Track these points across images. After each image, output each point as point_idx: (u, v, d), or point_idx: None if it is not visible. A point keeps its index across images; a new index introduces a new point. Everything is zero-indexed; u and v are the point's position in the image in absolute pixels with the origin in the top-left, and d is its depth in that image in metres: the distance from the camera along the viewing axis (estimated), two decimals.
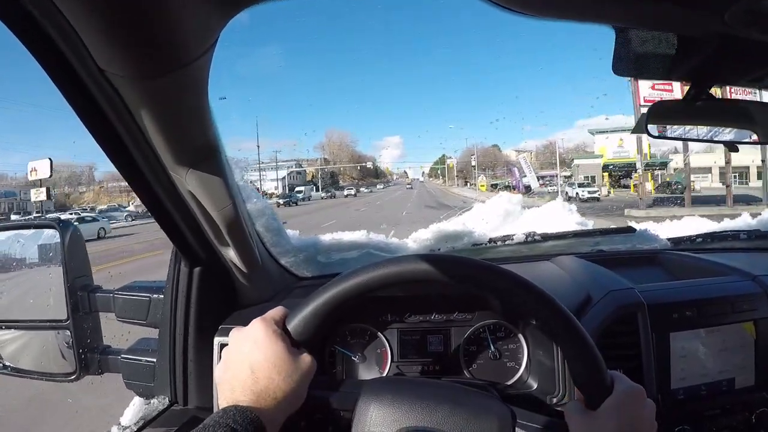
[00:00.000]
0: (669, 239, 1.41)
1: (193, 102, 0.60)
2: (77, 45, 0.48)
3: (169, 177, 0.71)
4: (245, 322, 0.94)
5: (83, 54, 0.50)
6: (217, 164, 0.71)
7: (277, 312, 0.66)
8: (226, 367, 0.63)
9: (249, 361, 0.61)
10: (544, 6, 0.56)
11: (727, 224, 1.58)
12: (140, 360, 1.05)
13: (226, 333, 0.93)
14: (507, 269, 0.66)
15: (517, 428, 0.64)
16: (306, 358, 0.63)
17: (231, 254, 0.89)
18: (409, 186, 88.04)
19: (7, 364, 1.15)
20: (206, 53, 0.53)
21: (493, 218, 1.43)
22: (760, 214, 1.61)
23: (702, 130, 1.00)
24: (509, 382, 0.95)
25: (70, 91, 0.56)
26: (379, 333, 0.99)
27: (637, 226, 1.40)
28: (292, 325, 0.63)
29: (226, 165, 0.74)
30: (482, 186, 50.49)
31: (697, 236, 1.44)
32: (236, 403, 0.58)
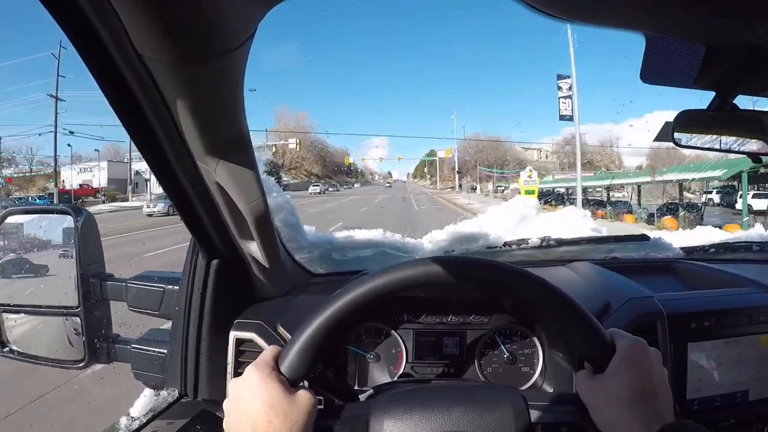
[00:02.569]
0: (682, 248, 1.41)
1: (230, 92, 0.59)
2: (116, 27, 0.47)
3: (196, 167, 0.70)
4: (261, 318, 0.94)
5: (121, 37, 0.49)
6: (247, 156, 0.70)
7: (269, 353, 0.65)
8: (228, 419, 0.63)
9: (248, 410, 0.60)
10: (580, 11, 0.56)
11: (740, 235, 1.58)
12: (151, 351, 1.04)
13: (242, 328, 0.93)
14: (488, 260, 0.66)
15: (531, 410, 0.64)
16: (304, 396, 0.62)
17: (252, 248, 0.88)
18: (388, 185, 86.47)
19: (15, 348, 1.14)
20: (246, 42, 0.52)
21: (508, 221, 1.42)
22: None
23: (726, 140, 1.00)
24: (523, 387, 0.94)
25: (103, 73, 0.55)
26: (395, 332, 0.98)
27: (652, 235, 1.39)
28: (285, 366, 0.62)
29: (254, 158, 0.73)
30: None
31: (710, 246, 1.44)
32: None
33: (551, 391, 0.92)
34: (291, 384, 0.62)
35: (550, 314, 0.66)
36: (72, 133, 46.24)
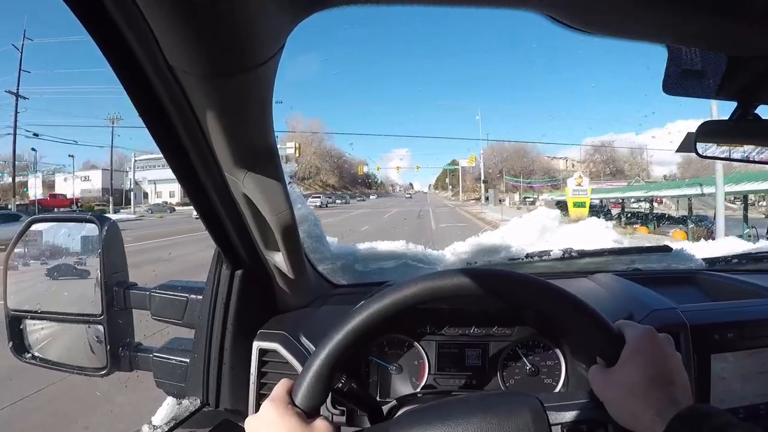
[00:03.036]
0: (704, 259, 1.39)
1: (258, 104, 0.59)
2: (148, 39, 0.48)
3: (223, 178, 0.71)
4: (285, 328, 0.94)
5: (153, 48, 0.49)
6: (275, 168, 0.71)
7: (282, 387, 0.65)
8: None
9: None
10: (603, 24, 0.56)
11: (762, 245, 1.56)
12: (173, 359, 1.05)
13: (266, 338, 0.93)
14: (493, 269, 0.66)
15: (548, 412, 0.63)
16: (320, 426, 0.62)
17: (277, 259, 0.88)
18: (408, 196, 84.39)
19: (38, 355, 1.15)
20: (276, 55, 0.53)
21: (530, 233, 1.42)
22: None
23: (749, 150, 0.99)
24: (553, 392, 0.94)
25: (134, 84, 0.56)
26: (417, 344, 0.98)
27: (674, 246, 1.38)
28: (299, 399, 0.62)
29: (281, 170, 0.74)
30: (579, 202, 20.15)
31: (733, 257, 1.42)
32: None
33: None
34: (307, 415, 0.62)
35: (554, 315, 0.66)
36: (36, 135, 42.21)
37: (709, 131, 0.96)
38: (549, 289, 0.64)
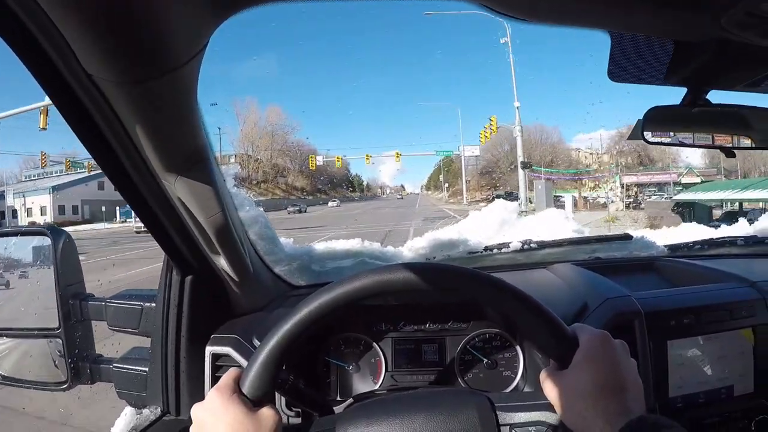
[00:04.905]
0: (666, 246, 1.41)
1: (182, 107, 0.59)
2: (64, 49, 0.48)
3: (159, 184, 0.70)
4: (237, 332, 0.94)
5: (70, 59, 0.49)
6: (206, 171, 0.71)
7: (229, 376, 0.65)
8: None
9: None
10: (541, 12, 0.56)
11: (724, 231, 1.58)
12: (132, 369, 1.04)
13: (218, 342, 0.93)
14: (442, 264, 0.66)
15: (498, 412, 0.64)
16: (267, 413, 0.62)
17: (222, 262, 0.88)
18: (400, 197, 79.98)
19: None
20: (195, 58, 0.52)
21: (488, 226, 1.42)
22: (757, 220, 1.61)
23: (698, 136, 1.00)
24: (505, 392, 0.94)
25: (58, 95, 0.56)
26: (373, 342, 0.98)
27: (634, 233, 1.40)
28: (246, 387, 0.62)
29: (216, 172, 0.73)
30: None
31: (695, 243, 1.44)
32: None
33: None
34: (253, 403, 0.62)
35: (509, 314, 0.66)
36: None
37: (658, 118, 0.96)
38: (503, 288, 0.64)
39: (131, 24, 0.44)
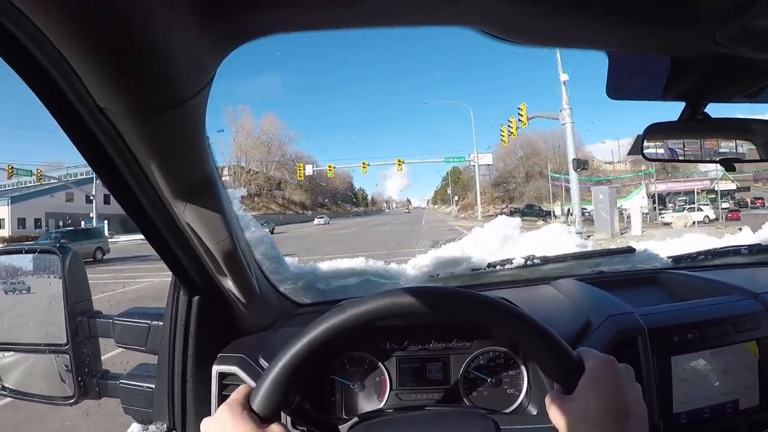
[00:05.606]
0: (670, 257, 1.41)
1: (190, 138, 0.61)
2: (76, 84, 0.49)
3: (168, 210, 0.72)
4: (244, 351, 0.95)
5: (82, 92, 0.51)
6: (214, 198, 0.72)
7: (240, 393, 0.66)
8: None
9: None
10: (538, 36, 0.57)
11: (728, 240, 1.58)
12: (139, 386, 1.05)
13: (225, 362, 0.94)
14: (449, 288, 0.67)
15: None
16: (276, 430, 0.63)
17: (230, 284, 0.89)
18: (407, 211, 78.00)
19: (7, 386, 1.15)
20: (203, 90, 0.54)
21: (491, 242, 1.43)
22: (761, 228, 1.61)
23: (698, 150, 1.00)
24: (509, 410, 0.94)
25: (72, 127, 0.57)
26: (378, 361, 0.99)
27: (638, 246, 1.40)
28: (256, 404, 0.63)
29: (223, 198, 0.75)
30: None
31: (698, 254, 1.43)
32: None
33: (535, 413, 0.92)
34: (262, 420, 0.63)
35: (516, 339, 0.66)
36: None
37: (658, 133, 0.96)
38: (509, 313, 0.64)
39: (139, 59, 0.45)
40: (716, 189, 31.50)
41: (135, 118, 0.53)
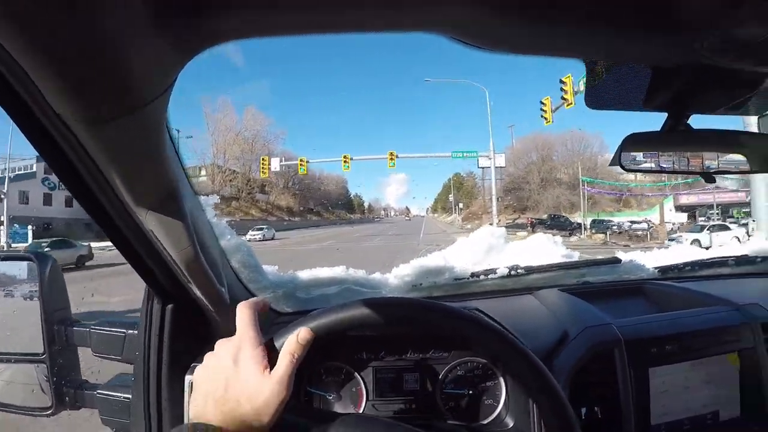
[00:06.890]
0: (656, 268, 1.41)
1: (149, 144, 0.60)
2: (33, 90, 0.49)
3: (133, 217, 0.71)
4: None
5: (39, 98, 0.50)
6: (175, 205, 0.71)
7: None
8: (207, 374, 0.64)
9: (225, 377, 0.61)
10: (513, 43, 0.56)
11: (715, 251, 1.58)
12: (117, 396, 1.04)
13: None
14: (423, 301, 0.66)
15: None
16: (276, 386, 0.61)
17: (197, 292, 0.88)
18: (408, 219, 78.25)
19: None
20: (162, 95, 0.53)
21: (476, 252, 1.42)
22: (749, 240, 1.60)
23: (679, 161, 1.00)
24: (486, 421, 0.93)
25: (32, 133, 0.57)
26: (354, 371, 0.98)
27: (624, 257, 1.39)
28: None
29: (188, 204, 0.74)
30: None
31: (685, 264, 1.43)
32: (206, 420, 0.59)
33: (512, 424, 0.91)
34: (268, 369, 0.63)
35: (488, 351, 0.66)
36: None
37: (637, 144, 0.96)
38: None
39: (92, 66, 0.44)
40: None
41: (89, 125, 0.52)
